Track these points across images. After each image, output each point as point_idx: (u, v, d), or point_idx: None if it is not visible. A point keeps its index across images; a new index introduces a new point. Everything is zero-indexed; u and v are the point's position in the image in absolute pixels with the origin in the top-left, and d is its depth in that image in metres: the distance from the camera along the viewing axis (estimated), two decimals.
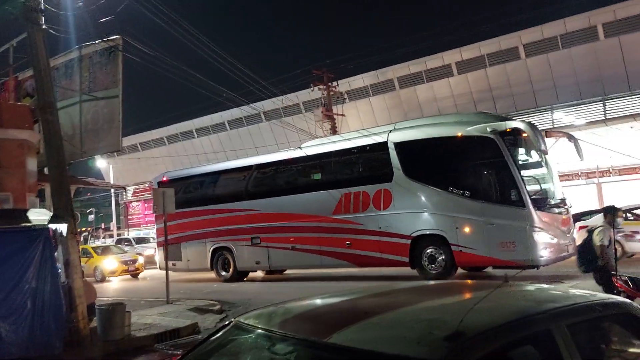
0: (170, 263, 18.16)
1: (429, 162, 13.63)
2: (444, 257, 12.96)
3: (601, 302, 2.56)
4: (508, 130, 12.15)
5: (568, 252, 12.35)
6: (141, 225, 41.91)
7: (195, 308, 11.47)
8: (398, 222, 13.63)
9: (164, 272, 19.81)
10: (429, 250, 13.18)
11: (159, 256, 19.23)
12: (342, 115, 25.56)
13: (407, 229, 13.50)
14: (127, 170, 41.08)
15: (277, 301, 3.02)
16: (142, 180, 39.68)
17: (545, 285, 3.31)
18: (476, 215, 12.35)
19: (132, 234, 39.39)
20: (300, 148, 16.65)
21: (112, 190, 39.96)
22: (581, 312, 2.39)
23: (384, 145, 14.00)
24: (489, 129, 12.20)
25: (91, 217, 48.79)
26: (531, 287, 2.95)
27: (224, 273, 17.33)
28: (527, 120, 14.26)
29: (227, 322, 2.87)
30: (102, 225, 46.94)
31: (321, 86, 26.05)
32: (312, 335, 2.23)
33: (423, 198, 13.29)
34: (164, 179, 19.32)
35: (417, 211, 13.38)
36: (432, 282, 3.17)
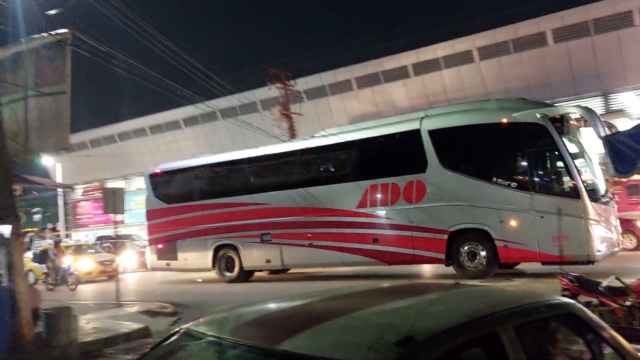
0: (164, 262, 17.41)
1: (470, 151, 12.68)
2: (485, 253, 12.05)
3: (547, 303, 2.63)
4: (558, 116, 11.38)
5: (618, 246, 11.96)
6: (90, 225, 40.66)
7: (147, 311, 11.23)
8: (433, 216, 12.66)
9: (157, 272, 18.41)
10: (468, 246, 12.26)
11: (149, 255, 18.19)
12: (300, 114, 25.51)
13: (444, 223, 12.54)
14: (76, 168, 39.76)
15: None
16: (92, 178, 38.50)
17: (495, 286, 3.37)
18: (525, 208, 11.48)
19: (80, 234, 38.15)
20: (314, 136, 15.54)
21: (60, 190, 38.59)
22: (527, 314, 2.44)
23: (416, 134, 12.98)
24: (538, 115, 11.40)
25: (37, 217, 46.98)
26: (481, 289, 3.01)
27: (228, 273, 16.12)
28: (584, 105, 13.54)
29: (177, 329, 2.80)
30: (49, 226, 45.24)
31: (278, 85, 25.92)
32: (263, 342, 2.19)
33: (462, 190, 12.32)
34: (157, 171, 18.17)
35: (455, 204, 12.38)
36: (386, 285, 3.18)
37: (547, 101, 23.57)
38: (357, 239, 13.78)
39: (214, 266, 16.33)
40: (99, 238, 29.20)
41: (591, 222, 10.81)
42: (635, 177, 4.42)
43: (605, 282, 5.88)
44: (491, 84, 25.48)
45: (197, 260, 16.57)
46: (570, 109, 12.13)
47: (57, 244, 18.82)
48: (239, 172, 16.68)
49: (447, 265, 12.71)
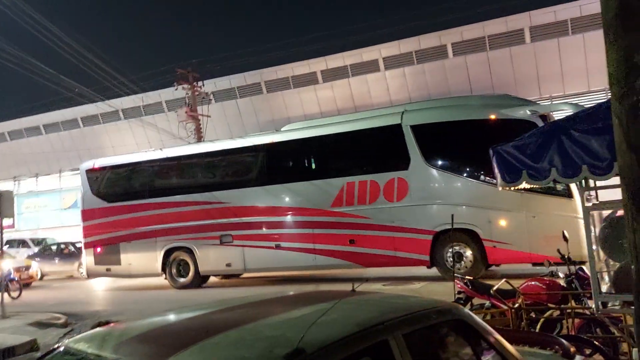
0: (103, 268, 15.74)
1: (456, 148, 12.09)
2: (471, 254, 11.68)
3: (436, 310, 2.69)
4: (547, 114, 11.15)
5: None
6: None
7: (36, 322, 10.41)
8: (416, 215, 12.03)
9: (93, 279, 16.91)
10: (453, 247, 11.68)
11: (85, 260, 16.29)
12: (208, 116, 24.97)
13: (429, 223, 11.93)
14: None
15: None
16: None
17: (389, 294, 3.42)
18: (516, 207, 11.11)
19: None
20: (279, 131, 14.67)
21: None
22: (417, 321, 2.49)
23: (396, 129, 12.28)
24: (529, 112, 11.01)
25: None
26: (375, 297, 3.04)
27: (181, 279, 14.80)
28: (575, 102, 13.35)
29: (54, 347, 2.58)
30: None
31: (185, 85, 25.21)
32: None
33: (448, 188, 11.87)
34: (97, 166, 16.37)
35: (440, 203, 11.85)
36: (280, 295, 3.13)
37: None
38: (331, 240, 12.95)
39: (163, 271, 15.02)
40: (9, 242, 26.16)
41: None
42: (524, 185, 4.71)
43: (496, 286, 6.18)
44: (395, 92, 26.40)
45: (143, 264, 15.17)
46: (561, 105, 11.96)
47: None
48: (195, 168, 15.31)
49: (430, 267, 12.32)
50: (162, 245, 14.93)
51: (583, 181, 4.59)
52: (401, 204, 12.21)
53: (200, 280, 14.80)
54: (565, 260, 6.43)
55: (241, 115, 29.24)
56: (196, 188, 14.78)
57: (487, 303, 6.46)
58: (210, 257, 14.44)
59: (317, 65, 27.79)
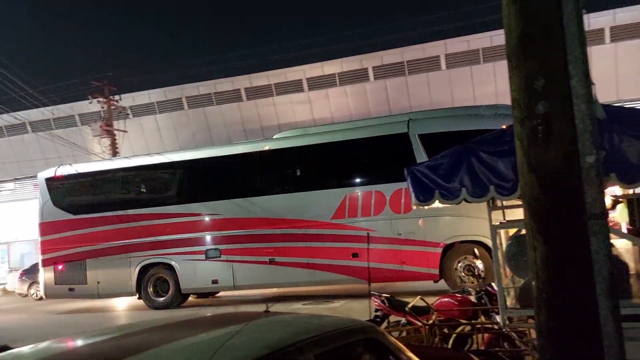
0: (65, 287, 14.17)
1: None
2: (483, 266, 11.02)
3: (349, 329, 2.67)
4: None
5: None
6: None
7: None
8: (424, 227, 11.62)
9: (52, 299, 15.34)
10: (461, 261, 11.32)
11: (43, 279, 14.62)
12: (124, 131, 24.03)
13: (437, 235, 11.56)
14: None
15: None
16: None
17: (303, 314, 3.37)
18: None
19: None
20: (273, 138, 13.76)
21: None
22: (329, 341, 2.45)
23: (403, 137, 11.82)
24: None
25: None
26: (288, 317, 2.97)
27: (159, 298, 13.59)
28: None
29: None
30: None
31: (101, 99, 24.16)
32: None
33: None
34: (58, 174, 14.88)
35: (449, 215, 11.33)
36: (191, 317, 2.99)
37: None
38: (332, 255, 12.31)
39: (138, 290, 13.73)
40: None
41: None
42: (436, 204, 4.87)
43: (411, 303, 6.30)
44: (318, 112, 26.74)
45: (114, 283, 13.83)
46: None
47: None
48: (178, 177, 14.07)
49: (437, 281, 11.90)
50: (137, 261, 13.70)
51: (491, 201, 4.82)
52: (409, 216, 11.66)
53: (181, 299, 13.79)
54: (476, 277, 6.68)
55: (160, 131, 28.41)
56: (179, 198, 13.74)
57: (403, 320, 6.57)
58: (194, 274, 13.37)
59: (241, 82, 27.64)
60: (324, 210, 12.40)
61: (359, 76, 26.25)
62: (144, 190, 14.45)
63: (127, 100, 26.73)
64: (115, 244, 13.88)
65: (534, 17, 2.51)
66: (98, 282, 13.96)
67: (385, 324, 6.81)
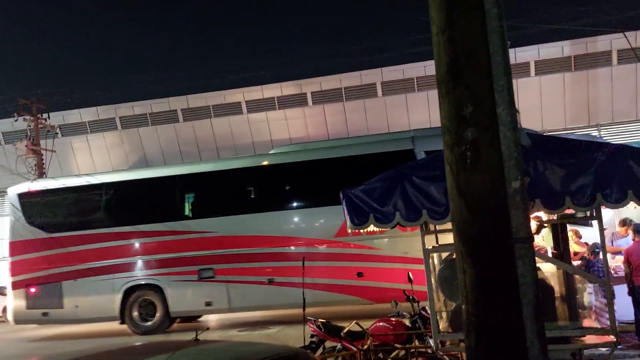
0: (38, 312, 12.79)
1: None
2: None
3: (281, 356, 2.59)
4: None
5: None
6: None
7: None
8: None
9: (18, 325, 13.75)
10: None
11: (12, 303, 13.18)
12: (52, 150, 22.89)
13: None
14: None
15: None
16: None
17: (234, 342, 3.25)
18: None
19: None
20: (271, 152, 13.09)
21: None
22: None
23: (408, 154, 11.33)
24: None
25: None
26: (218, 345, 2.86)
27: (146, 323, 12.59)
28: None
29: None
30: None
31: (28, 117, 22.97)
32: None
33: None
34: (30, 189, 13.68)
35: None
36: (118, 346, 2.81)
37: None
38: (335, 274, 11.77)
39: (122, 314, 12.66)
40: None
41: None
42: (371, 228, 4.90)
43: (347, 328, 6.27)
44: (257, 135, 26.63)
45: (95, 307, 12.68)
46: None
47: None
48: (167, 193, 13.11)
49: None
50: (121, 283, 12.68)
51: (424, 225, 4.90)
52: (415, 234, 11.38)
53: (169, 323, 12.84)
54: (410, 300, 6.76)
55: (91, 152, 27.35)
56: (168, 215, 12.84)
57: (339, 345, 6.52)
58: (185, 296, 12.50)
59: (177, 103, 27.17)
60: (327, 227, 11.91)
61: (297, 100, 26.47)
62: (129, 207, 13.45)
63: (57, 118, 25.55)
64: (96, 265, 12.84)
65: (462, 47, 2.59)
66: (76, 306, 12.84)
67: (320, 350, 6.74)
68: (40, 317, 13.19)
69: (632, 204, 4.23)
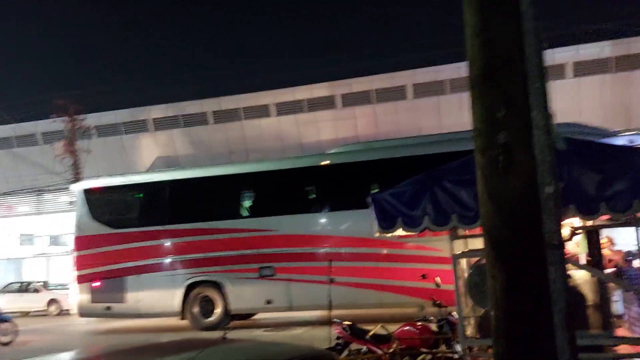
0: (102, 306, 13.04)
1: None
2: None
3: (306, 357, 2.60)
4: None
5: None
6: None
7: None
8: None
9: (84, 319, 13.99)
10: None
11: (76, 297, 13.41)
12: (89, 151, 23.48)
13: None
14: None
15: None
16: None
17: (261, 341, 3.28)
18: None
19: None
20: (331, 152, 12.90)
21: None
22: None
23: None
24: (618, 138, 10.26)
25: None
26: (245, 344, 2.88)
27: (206, 319, 12.63)
28: None
29: None
30: None
31: (65, 117, 23.61)
32: None
33: None
34: (97, 186, 13.96)
35: None
36: (145, 343, 2.86)
37: None
38: (399, 275, 11.46)
39: (183, 310, 12.73)
40: None
41: None
42: (399, 232, 4.88)
43: (372, 331, 6.24)
44: (286, 138, 26.79)
45: (157, 302, 12.77)
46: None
47: None
48: (230, 191, 13.18)
49: None
50: (183, 279, 12.76)
51: (453, 229, 4.84)
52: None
53: (228, 320, 12.76)
54: (437, 305, 6.68)
55: (126, 152, 27.96)
56: (231, 213, 12.96)
57: (364, 348, 6.49)
58: (246, 293, 12.42)
59: (209, 105, 27.56)
60: None
61: (327, 103, 26.51)
62: (192, 204, 13.56)
63: (92, 119, 26.27)
64: (158, 261, 13.01)
65: (497, 49, 2.55)
66: (138, 301, 12.96)
67: (346, 352, 6.72)
68: (104, 311, 13.37)
69: None
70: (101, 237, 13.55)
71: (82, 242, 13.70)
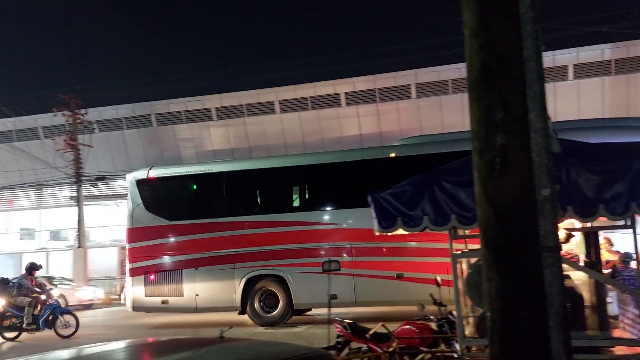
0: (157, 300, 12.81)
1: None
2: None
3: (303, 356, 2.61)
4: None
5: None
6: None
7: None
8: None
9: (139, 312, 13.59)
10: None
11: (130, 290, 13.23)
12: (89, 146, 23.49)
13: None
14: None
15: None
16: None
17: (259, 341, 3.29)
18: None
19: None
20: (404, 139, 12.67)
21: None
22: None
23: None
24: None
25: None
26: (242, 344, 2.89)
27: (268, 314, 12.43)
28: None
29: None
30: None
31: (66, 112, 23.62)
32: None
33: None
34: (152, 175, 13.50)
35: None
36: (142, 342, 2.87)
37: None
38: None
39: (243, 304, 12.48)
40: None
41: None
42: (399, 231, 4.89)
43: (373, 329, 6.26)
44: (290, 135, 26.80)
45: (215, 296, 12.54)
46: None
47: (31, 270, 12.79)
48: (293, 183, 12.95)
49: None
50: (243, 272, 12.46)
51: (453, 230, 4.85)
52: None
53: (290, 315, 12.62)
54: (438, 304, 6.70)
55: (127, 148, 27.98)
56: (295, 206, 12.74)
57: (364, 347, 6.51)
58: (310, 288, 12.05)
59: (211, 102, 27.54)
60: None
61: (331, 101, 26.48)
62: (253, 196, 13.43)
63: (94, 114, 26.27)
64: (218, 253, 12.64)
65: (495, 51, 2.55)
66: (196, 295, 12.65)
67: (346, 351, 6.74)
68: (160, 305, 13.03)
69: None
70: (155, 229, 13.24)
71: (135, 234, 13.41)
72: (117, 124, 28.21)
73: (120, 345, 2.86)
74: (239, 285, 12.47)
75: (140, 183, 13.57)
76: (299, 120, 26.82)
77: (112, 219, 28.33)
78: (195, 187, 13.63)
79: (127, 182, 14.14)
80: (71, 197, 25.66)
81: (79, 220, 23.38)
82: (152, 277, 13.04)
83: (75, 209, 23.66)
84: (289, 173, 13.08)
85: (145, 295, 13.06)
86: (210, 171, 13.59)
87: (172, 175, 13.75)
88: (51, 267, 23.37)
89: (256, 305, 12.53)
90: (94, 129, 26.34)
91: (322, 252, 12.22)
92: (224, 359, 2.45)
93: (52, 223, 29.47)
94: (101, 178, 25.98)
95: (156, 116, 28.05)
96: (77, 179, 23.27)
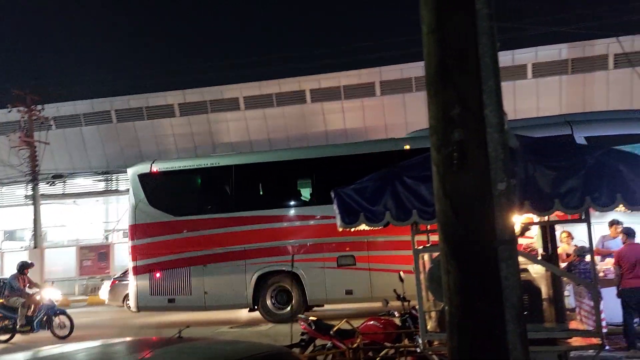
0: (162, 299, 12.28)
1: None
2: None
3: (264, 355, 2.58)
4: None
5: None
6: None
7: None
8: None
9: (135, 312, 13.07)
10: None
11: (134, 289, 12.58)
12: (46, 142, 22.73)
13: None
14: None
15: None
16: None
17: (217, 340, 3.24)
18: None
19: None
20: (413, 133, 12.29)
21: None
22: None
23: (567, 139, 10.61)
24: None
25: None
26: (200, 344, 2.84)
27: (281, 311, 12.04)
28: None
29: None
30: None
31: (22, 108, 22.80)
32: None
33: None
34: (153, 169, 12.92)
35: None
36: (95, 344, 2.78)
37: None
38: None
39: (254, 301, 12.12)
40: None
41: None
42: (362, 227, 4.91)
43: (337, 326, 6.27)
44: (254, 132, 26.62)
45: (225, 293, 12.12)
46: None
47: (23, 269, 12.24)
48: (306, 176, 12.66)
49: None
50: (254, 269, 12.09)
51: (415, 225, 4.89)
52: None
53: (303, 311, 11.96)
54: (401, 300, 6.77)
55: (85, 145, 27.28)
56: (308, 199, 12.42)
57: (329, 344, 6.52)
58: (325, 283, 11.86)
59: (174, 98, 27.12)
60: None
61: (297, 97, 26.43)
62: (264, 190, 13.06)
63: (51, 110, 25.43)
64: (227, 249, 12.24)
65: (452, 47, 2.57)
66: (205, 293, 12.23)
67: (311, 348, 6.74)
68: (166, 304, 12.58)
69: (620, 207, 4.24)
70: (160, 224, 12.72)
71: (138, 230, 12.82)
72: (75, 120, 27.48)
73: (78, 347, 2.77)
74: (250, 282, 12.13)
75: (143, 177, 13.00)
76: (263, 117, 26.68)
77: (70, 217, 27.60)
78: (203, 181, 13.23)
79: (128, 177, 13.54)
80: (27, 196, 24.85)
81: (34, 220, 22.62)
82: (158, 275, 12.55)
83: (32, 207, 22.92)
84: (300, 166, 12.78)
85: (151, 294, 12.58)
86: (219, 164, 13.12)
87: (178, 168, 13.22)
88: (6, 268, 22.58)
89: (268, 302, 12.26)
90: (51, 125, 25.53)
91: (335, 247, 11.92)
92: (181, 359, 2.40)
93: (7, 223, 28.50)
94: (58, 176, 25.27)
95: (116, 112, 27.45)
96: (33, 177, 22.52)
